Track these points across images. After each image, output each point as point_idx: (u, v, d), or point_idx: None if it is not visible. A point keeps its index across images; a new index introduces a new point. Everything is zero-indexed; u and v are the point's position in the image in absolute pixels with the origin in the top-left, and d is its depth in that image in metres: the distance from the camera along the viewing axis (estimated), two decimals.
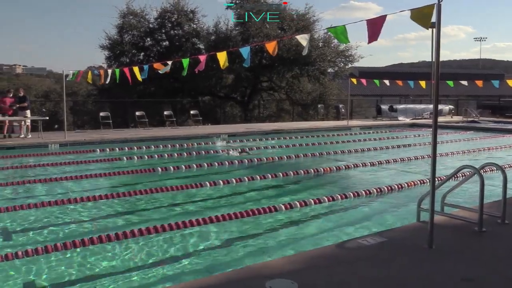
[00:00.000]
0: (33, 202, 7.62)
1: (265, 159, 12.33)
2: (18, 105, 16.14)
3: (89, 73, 15.75)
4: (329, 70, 29.12)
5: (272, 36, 24.99)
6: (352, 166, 11.31)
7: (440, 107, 26.44)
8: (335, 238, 5.88)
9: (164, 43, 27.84)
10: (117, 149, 14.37)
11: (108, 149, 14.28)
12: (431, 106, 26.02)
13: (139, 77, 12.43)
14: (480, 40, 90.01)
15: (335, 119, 27.18)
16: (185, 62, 10.91)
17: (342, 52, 28.02)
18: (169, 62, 11.62)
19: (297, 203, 7.44)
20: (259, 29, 25.94)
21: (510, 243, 5.06)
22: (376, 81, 22.18)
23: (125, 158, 12.55)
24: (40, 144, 14.58)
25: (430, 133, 4.81)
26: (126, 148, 14.47)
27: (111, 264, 5.18)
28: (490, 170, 9.29)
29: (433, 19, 4.55)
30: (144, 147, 14.66)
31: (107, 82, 15.04)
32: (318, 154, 13.23)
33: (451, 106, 29.50)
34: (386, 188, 8.59)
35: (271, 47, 8.77)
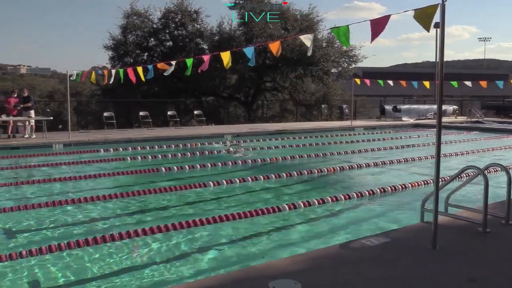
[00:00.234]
0: (36, 202, 7.64)
1: (268, 159, 12.32)
2: (22, 105, 16.20)
3: (93, 73, 15.80)
4: (332, 70, 29.10)
5: (276, 36, 24.99)
6: (356, 166, 11.30)
7: (444, 107, 26.38)
8: (339, 239, 5.88)
9: (168, 43, 27.88)
10: (121, 149, 14.41)
11: (112, 149, 14.31)
12: (435, 106, 25.96)
13: (143, 78, 12.45)
14: (484, 40, 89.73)
15: (338, 120, 27.17)
16: (189, 62, 10.92)
17: (345, 52, 27.97)
18: (173, 62, 11.64)
19: (301, 203, 7.43)
20: (262, 29, 25.94)
21: None
22: (380, 82, 22.16)
23: (129, 158, 12.58)
24: (44, 144, 14.63)
25: (434, 134, 4.80)
26: (130, 148, 14.49)
27: (115, 263, 5.19)
28: (495, 171, 9.28)
29: (437, 19, 4.54)
30: (147, 147, 14.69)
31: (110, 82, 15.07)
32: (321, 154, 13.21)
33: (455, 107, 29.44)
34: (389, 189, 8.57)
35: (274, 48, 8.74)
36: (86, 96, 31.08)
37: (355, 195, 8.11)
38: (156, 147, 14.81)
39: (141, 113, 20.95)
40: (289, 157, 12.74)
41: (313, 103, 29.77)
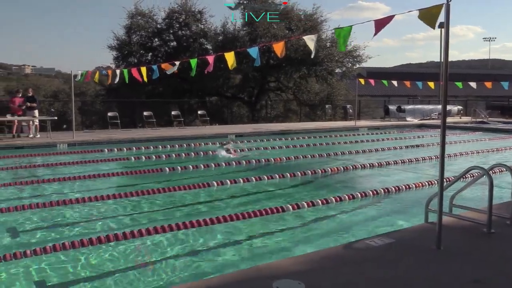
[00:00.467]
0: (41, 202, 7.66)
1: (272, 159, 12.31)
2: (29, 105, 16.24)
3: (97, 73, 15.84)
4: (336, 71, 29.07)
5: (280, 36, 24.99)
6: (360, 166, 11.28)
7: (448, 107, 26.31)
8: (342, 239, 5.87)
9: (172, 44, 27.92)
10: (125, 149, 14.43)
11: (116, 149, 14.34)
12: (439, 106, 25.91)
13: (146, 79, 12.47)
14: (489, 40, 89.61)
15: (342, 120, 27.14)
16: (193, 62, 10.93)
17: (349, 52, 27.94)
18: (177, 63, 11.66)
19: (305, 204, 7.42)
20: (266, 29, 25.94)
21: None
22: (384, 82, 22.10)
23: (132, 158, 12.60)
24: (48, 144, 14.67)
25: (439, 134, 4.79)
26: (134, 148, 14.52)
27: (118, 263, 5.20)
28: (499, 171, 9.24)
29: (442, 19, 4.53)
30: (151, 147, 14.71)
31: (115, 82, 15.10)
32: (325, 154, 13.20)
33: (460, 107, 29.35)
34: (393, 189, 8.55)
35: (278, 48, 8.71)
36: (91, 96, 31.16)
37: (359, 195, 8.10)
38: (160, 147, 14.84)
39: (145, 113, 20.99)
40: (293, 157, 12.74)
41: (317, 103, 29.75)
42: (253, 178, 9.60)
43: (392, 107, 27.32)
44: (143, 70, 12.51)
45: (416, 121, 25.35)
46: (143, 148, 14.56)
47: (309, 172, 10.46)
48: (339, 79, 30.14)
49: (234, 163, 11.84)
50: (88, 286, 4.60)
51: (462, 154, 13.05)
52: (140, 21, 26.78)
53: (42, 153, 13.22)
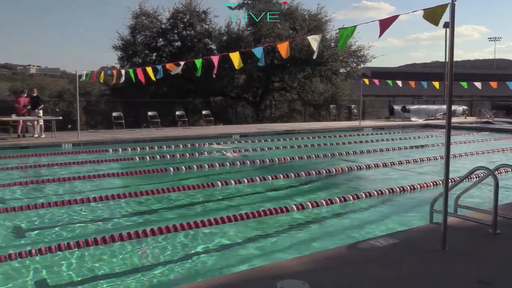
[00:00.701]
0: (46, 202, 7.69)
1: (276, 159, 12.31)
2: (41, 106, 16.38)
3: (102, 73, 15.89)
4: (341, 70, 29.04)
5: (284, 36, 24.97)
6: (364, 167, 11.25)
7: (453, 107, 26.20)
8: (347, 239, 5.86)
9: (177, 44, 27.98)
10: (129, 149, 14.46)
11: (120, 149, 14.37)
12: (444, 106, 25.82)
13: (153, 77, 12.49)
14: (494, 40, 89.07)
15: (347, 120, 27.10)
16: (198, 63, 10.94)
17: (354, 52, 27.90)
18: (182, 63, 11.67)
19: (309, 204, 7.41)
20: (271, 29, 25.93)
21: None
22: (389, 82, 22.05)
23: (137, 158, 12.63)
24: (53, 144, 14.73)
25: (444, 134, 4.77)
26: (138, 148, 14.54)
27: (124, 263, 5.21)
28: (505, 172, 9.20)
29: (446, 18, 4.52)
30: (156, 147, 14.74)
31: (120, 82, 15.14)
32: (330, 154, 13.18)
33: (465, 107, 29.22)
34: (398, 189, 8.53)
35: (283, 49, 8.70)
36: (95, 96, 31.27)
37: (363, 196, 8.09)
38: (165, 147, 14.85)
39: (149, 113, 21.04)
40: (297, 157, 12.72)
41: (322, 103, 29.73)
42: (258, 178, 9.59)
43: (397, 107, 27.25)
44: (149, 70, 12.53)
45: (421, 121, 25.28)
46: (147, 148, 14.58)
47: (314, 172, 10.44)
48: (343, 79, 30.10)
49: (239, 163, 11.84)
50: (94, 286, 4.62)
51: (467, 155, 13.00)
52: (145, 21, 26.85)
53: (47, 153, 13.27)
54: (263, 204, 7.79)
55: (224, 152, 13.61)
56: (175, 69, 11.78)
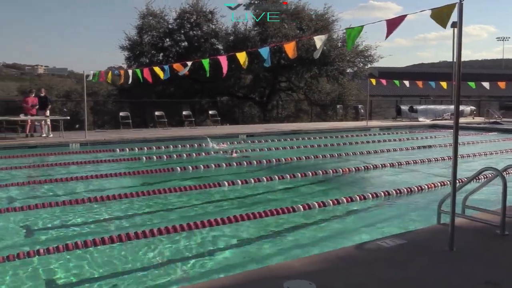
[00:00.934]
0: (54, 201, 7.74)
1: (283, 159, 12.30)
2: (48, 106, 16.53)
3: (109, 73, 15.96)
4: (348, 70, 28.97)
5: (291, 36, 24.94)
6: (371, 167, 11.22)
7: (461, 108, 26.08)
8: (354, 239, 5.84)
9: (183, 44, 28.03)
10: (136, 148, 14.51)
11: (127, 149, 14.42)
12: (452, 107, 25.71)
13: (162, 76, 12.52)
14: (503, 40, 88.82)
15: (354, 120, 27.04)
16: (205, 63, 10.95)
17: (361, 52, 27.82)
18: (189, 63, 11.69)
19: (316, 204, 7.40)
20: (277, 29, 25.91)
21: None
22: (396, 82, 21.98)
23: (144, 158, 12.67)
24: (61, 143, 14.81)
25: (451, 134, 4.75)
26: (145, 148, 14.59)
27: (129, 262, 5.23)
28: None
29: (454, 18, 4.50)
30: (163, 146, 14.78)
31: (129, 82, 15.20)
32: (336, 155, 13.16)
33: (473, 107, 29.07)
34: (405, 190, 8.49)
35: (290, 49, 8.68)
36: (103, 96, 31.39)
37: (370, 196, 8.06)
38: (171, 146, 14.89)
39: (156, 113, 21.10)
40: (304, 158, 12.71)
41: (328, 103, 29.68)
42: (264, 178, 9.60)
43: (404, 107, 27.14)
44: (157, 70, 12.57)
45: (428, 121, 25.17)
46: (154, 148, 14.62)
47: (320, 172, 10.43)
48: (350, 79, 30.04)
49: (245, 163, 11.85)
50: (100, 285, 4.64)
51: (475, 155, 12.92)
52: (152, 22, 26.93)
53: (54, 152, 13.34)
54: (269, 204, 7.79)
55: (222, 152, 13.62)
56: (182, 70, 11.82)
